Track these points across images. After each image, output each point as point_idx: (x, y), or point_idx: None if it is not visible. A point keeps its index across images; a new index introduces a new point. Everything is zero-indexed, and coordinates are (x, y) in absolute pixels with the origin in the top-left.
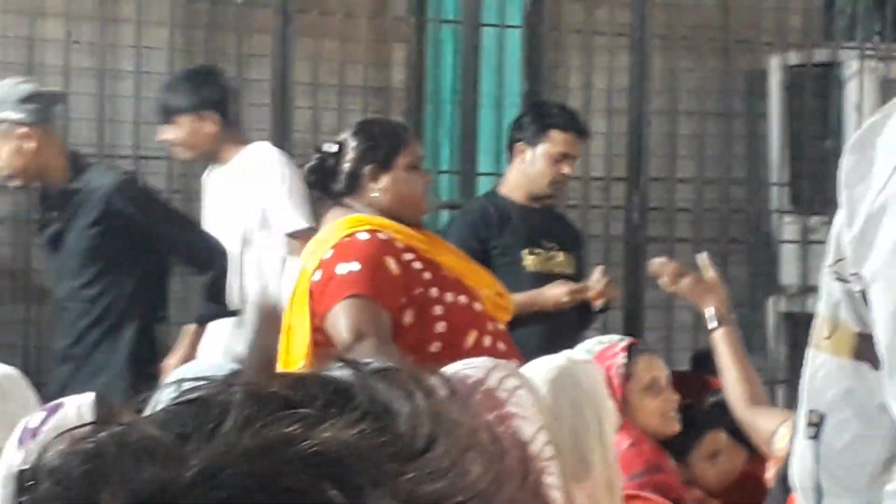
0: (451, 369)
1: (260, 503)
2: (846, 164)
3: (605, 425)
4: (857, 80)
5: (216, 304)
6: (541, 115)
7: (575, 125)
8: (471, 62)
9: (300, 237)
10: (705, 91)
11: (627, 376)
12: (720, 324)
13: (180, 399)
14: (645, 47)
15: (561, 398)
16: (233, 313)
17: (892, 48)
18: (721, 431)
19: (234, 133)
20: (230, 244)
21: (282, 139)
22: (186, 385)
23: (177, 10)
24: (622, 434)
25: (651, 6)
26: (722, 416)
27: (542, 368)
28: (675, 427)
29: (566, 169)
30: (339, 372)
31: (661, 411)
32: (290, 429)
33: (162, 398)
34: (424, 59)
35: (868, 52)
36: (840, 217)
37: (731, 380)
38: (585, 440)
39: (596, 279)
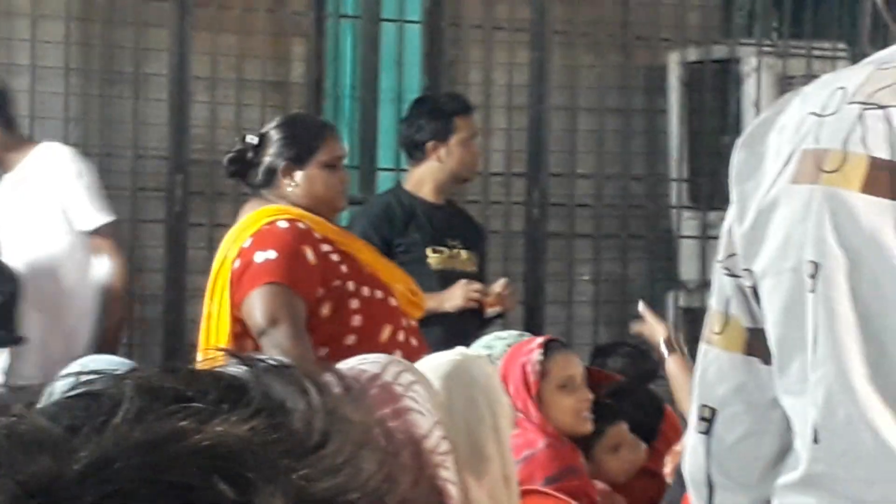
0: (347, 364)
1: (149, 497)
2: (737, 159)
3: (500, 419)
4: (756, 76)
5: (3, 331)
6: (439, 110)
7: (468, 104)
8: (370, 57)
9: (102, 233)
10: (605, 87)
11: (543, 373)
12: (671, 351)
13: (72, 392)
14: (544, 43)
15: (454, 393)
16: (19, 340)
17: (790, 45)
18: (622, 424)
19: (15, 138)
20: (31, 248)
21: (179, 134)
22: (79, 378)
23: (73, 4)
24: (537, 433)
25: (550, 2)
26: (622, 409)
27: (434, 364)
28: (588, 427)
29: (476, 145)
30: (234, 368)
31: (575, 410)
32: (182, 423)
33: (55, 391)
34: (324, 54)
35: (766, 49)
36: (731, 213)
37: (685, 400)
38: (480, 435)
39: (497, 288)
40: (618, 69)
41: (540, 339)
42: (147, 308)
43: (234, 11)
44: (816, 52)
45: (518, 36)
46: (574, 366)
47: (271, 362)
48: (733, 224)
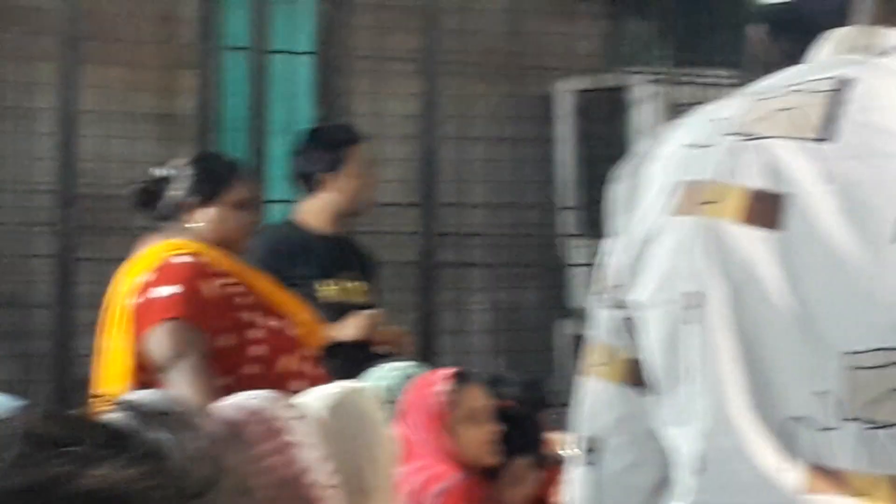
0: (229, 401)
1: None
2: (618, 190)
3: (382, 452)
4: (646, 104)
5: None
6: (331, 142)
7: (359, 135)
8: (260, 89)
9: None
10: (496, 116)
11: (451, 405)
12: None
13: None
14: (434, 73)
15: (336, 425)
16: None
17: (680, 73)
18: (526, 456)
19: None
20: None
21: (67, 168)
22: None
23: None
24: (448, 465)
25: (440, 32)
26: (525, 440)
27: (317, 397)
28: (495, 458)
29: (369, 175)
30: (116, 414)
31: (482, 441)
32: (63, 468)
33: None
34: (213, 86)
35: (656, 77)
36: (611, 244)
37: None
38: (362, 467)
39: (393, 330)
40: (509, 98)
41: (448, 371)
42: (36, 344)
43: (122, 44)
44: (707, 80)
45: (408, 66)
46: (481, 397)
47: (153, 408)
48: (614, 255)
